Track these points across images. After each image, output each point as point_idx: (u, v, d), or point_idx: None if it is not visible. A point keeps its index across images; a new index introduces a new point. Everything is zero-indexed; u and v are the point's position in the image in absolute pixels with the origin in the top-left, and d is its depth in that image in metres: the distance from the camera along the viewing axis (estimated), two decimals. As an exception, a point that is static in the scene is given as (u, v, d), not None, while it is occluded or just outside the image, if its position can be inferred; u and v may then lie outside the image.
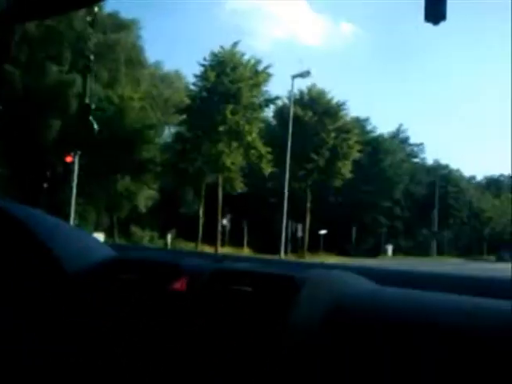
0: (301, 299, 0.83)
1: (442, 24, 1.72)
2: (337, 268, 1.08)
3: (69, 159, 18.34)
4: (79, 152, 17.83)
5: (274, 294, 0.85)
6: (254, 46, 65.90)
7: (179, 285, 0.95)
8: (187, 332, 0.89)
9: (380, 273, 1.10)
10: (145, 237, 34.33)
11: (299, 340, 0.79)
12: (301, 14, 67.01)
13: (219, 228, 29.97)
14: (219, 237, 30.14)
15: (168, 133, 35.20)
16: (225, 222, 36.22)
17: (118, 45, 27.47)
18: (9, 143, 24.27)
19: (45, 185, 28.17)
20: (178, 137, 31.91)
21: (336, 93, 36.54)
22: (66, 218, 27.54)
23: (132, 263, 1.08)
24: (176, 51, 62.61)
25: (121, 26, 28.05)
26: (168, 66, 51.50)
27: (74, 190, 17.87)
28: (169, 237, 31.54)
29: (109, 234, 29.93)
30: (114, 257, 1.17)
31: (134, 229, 34.39)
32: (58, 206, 26.29)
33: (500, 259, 41.33)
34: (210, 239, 31.28)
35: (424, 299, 0.82)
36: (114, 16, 28.37)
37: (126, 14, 29.38)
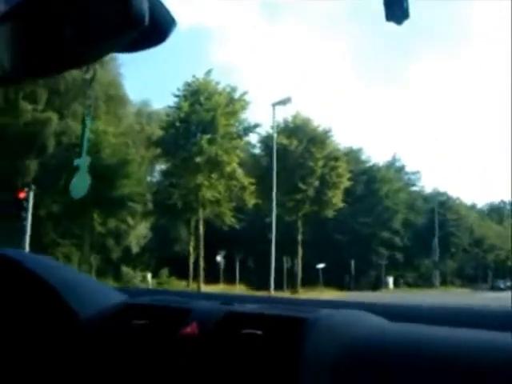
0: (312, 342, 0.84)
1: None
2: (346, 306, 1.06)
3: (22, 195, 16.29)
4: (33, 187, 16.44)
5: (285, 337, 0.85)
6: (241, 77, 66.58)
7: (191, 329, 0.95)
8: (198, 377, 0.90)
9: (389, 308, 1.10)
10: (136, 277, 33.53)
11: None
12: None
13: (201, 265, 28.84)
14: (202, 274, 29.00)
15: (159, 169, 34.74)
16: (219, 258, 35.50)
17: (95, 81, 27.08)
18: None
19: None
20: (165, 172, 31.23)
21: (324, 123, 35.96)
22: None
23: (143, 308, 1.08)
24: (167, 89, 62.90)
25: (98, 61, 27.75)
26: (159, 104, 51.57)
27: (28, 229, 16.39)
28: (149, 277, 30.67)
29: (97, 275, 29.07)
30: (125, 302, 1.16)
31: (126, 269, 33.56)
32: (44, 250, 25.44)
33: (494, 288, 44.86)
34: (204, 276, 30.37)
35: (437, 334, 0.82)
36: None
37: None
